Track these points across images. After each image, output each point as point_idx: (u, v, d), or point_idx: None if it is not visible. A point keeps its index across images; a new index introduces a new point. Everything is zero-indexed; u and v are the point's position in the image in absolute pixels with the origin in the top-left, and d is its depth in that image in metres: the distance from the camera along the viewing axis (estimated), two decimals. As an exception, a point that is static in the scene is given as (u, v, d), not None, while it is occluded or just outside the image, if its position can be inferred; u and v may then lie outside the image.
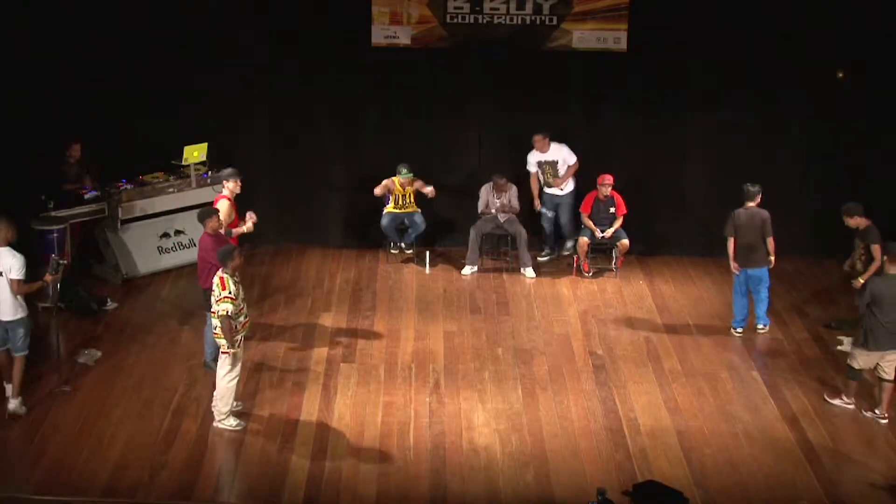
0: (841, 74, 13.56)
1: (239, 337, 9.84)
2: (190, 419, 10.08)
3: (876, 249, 11.14)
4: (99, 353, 11.21)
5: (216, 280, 9.71)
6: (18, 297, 9.96)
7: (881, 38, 13.28)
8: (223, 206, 11.22)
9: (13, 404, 10.09)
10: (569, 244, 14.06)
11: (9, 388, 10.11)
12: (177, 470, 9.32)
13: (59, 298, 11.42)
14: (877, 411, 10.28)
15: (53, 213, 12.48)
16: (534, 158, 13.68)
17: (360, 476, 9.30)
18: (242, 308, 9.91)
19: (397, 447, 9.73)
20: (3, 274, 9.95)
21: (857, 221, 11.33)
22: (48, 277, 10.33)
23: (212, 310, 9.80)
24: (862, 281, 11.21)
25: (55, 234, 12.18)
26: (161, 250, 13.42)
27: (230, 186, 11.45)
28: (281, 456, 9.55)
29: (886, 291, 10.07)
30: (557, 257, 14.05)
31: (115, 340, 11.61)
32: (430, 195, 13.54)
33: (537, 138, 13.53)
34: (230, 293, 9.62)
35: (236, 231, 11.34)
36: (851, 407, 10.46)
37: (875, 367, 10.25)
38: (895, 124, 13.52)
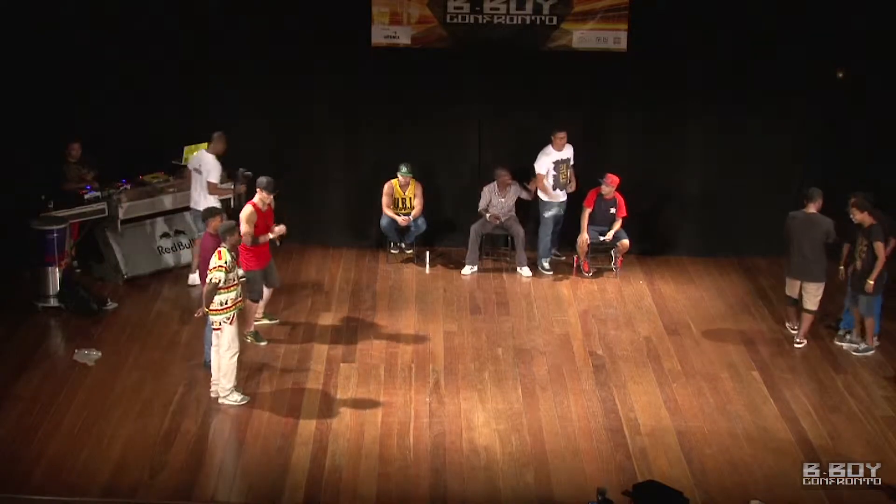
0: (841, 74, 13.56)
1: (231, 314, 10.15)
2: (190, 419, 10.08)
3: (879, 247, 11.14)
4: (99, 353, 11.21)
5: (214, 254, 10.05)
6: (210, 196, 12.51)
7: (882, 37, 13.29)
8: (245, 213, 11.27)
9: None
10: (545, 264, 13.76)
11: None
12: (177, 470, 9.32)
13: (62, 299, 12.05)
14: (796, 338, 11.82)
15: (53, 213, 12.47)
16: (550, 159, 13.30)
17: (360, 476, 9.31)
18: (236, 284, 10.21)
19: (397, 447, 9.73)
20: (203, 174, 12.55)
21: (862, 217, 11.28)
22: (240, 188, 12.55)
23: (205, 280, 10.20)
24: (872, 283, 11.22)
25: (55, 234, 12.18)
26: (161, 250, 13.42)
27: (261, 196, 11.43)
28: (281, 456, 9.56)
29: (796, 226, 11.56)
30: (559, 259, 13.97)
31: (115, 340, 11.61)
32: (402, 222, 13.61)
33: (561, 135, 13.24)
34: (225, 262, 10.00)
35: (262, 238, 11.37)
36: (795, 331, 11.91)
37: (799, 297, 11.69)
38: (895, 124, 13.54)
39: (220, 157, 12.72)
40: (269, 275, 11.78)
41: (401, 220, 13.59)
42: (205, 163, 12.67)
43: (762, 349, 11.76)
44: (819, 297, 11.64)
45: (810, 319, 11.73)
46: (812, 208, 11.55)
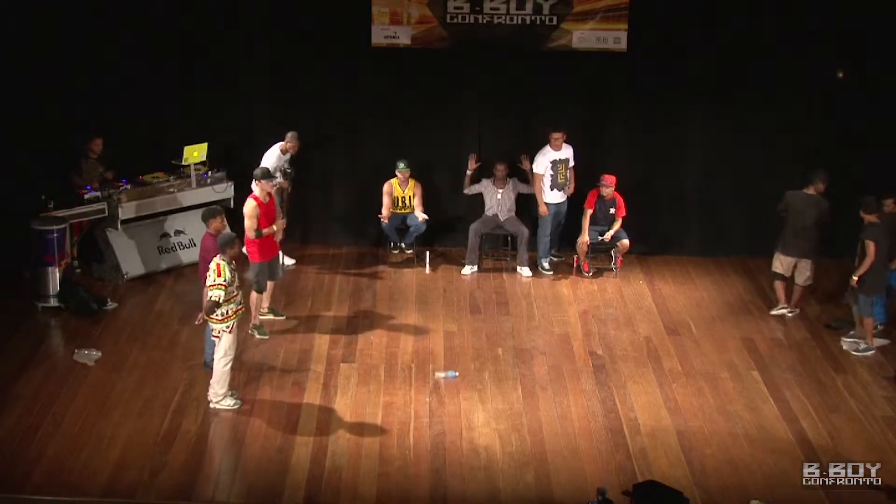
0: (841, 74, 13.56)
1: (231, 323, 10.09)
2: (190, 419, 10.08)
3: (868, 245, 11.18)
4: (99, 353, 11.21)
5: (213, 266, 9.99)
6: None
7: (881, 37, 13.29)
8: (247, 207, 11.30)
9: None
10: (545, 264, 13.82)
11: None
12: (177, 470, 9.33)
13: (62, 298, 12.15)
14: (788, 307, 12.35)
15: (53, 213, 12.46)
16: (548, 158, 13.32)
17: (360, 476, 9.31)
18: (236, 295, 10.15)
19: (397, 447, 9.74)
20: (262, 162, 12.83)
21: (863, 216, 11.36)
22: (282, 183, 12.89)
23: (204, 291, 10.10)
24: (856, 279, 11.27)
25: (55, 234, 12.17)
26: (161, 250, 13.42)
27: (261, 187, 11.42)
28: (281, 456, 9.56)
29: (794, 204, 11.98)
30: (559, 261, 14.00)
31: (115, 340, 11.60)
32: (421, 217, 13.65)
33: (557, 136, 13.26)
34: (224, 280, 9.92)
35: (266, 231, 11.38)
36: (785, 310, 12.33)
37: (792, 273, 12.17)
38: (895, 124, 13.54)
39: (292, 155, 13.11)
40: (273, 267, 11.80)
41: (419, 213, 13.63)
42: (267, 153, 12.98)
43: (762, 349, 11.76)
44: (811, 272, 12.18)
45: (803, 292, 12.35)
46: (812, 190, 11.98)
